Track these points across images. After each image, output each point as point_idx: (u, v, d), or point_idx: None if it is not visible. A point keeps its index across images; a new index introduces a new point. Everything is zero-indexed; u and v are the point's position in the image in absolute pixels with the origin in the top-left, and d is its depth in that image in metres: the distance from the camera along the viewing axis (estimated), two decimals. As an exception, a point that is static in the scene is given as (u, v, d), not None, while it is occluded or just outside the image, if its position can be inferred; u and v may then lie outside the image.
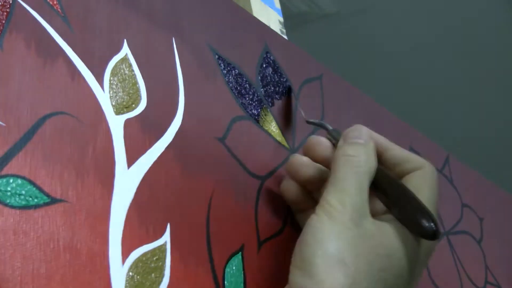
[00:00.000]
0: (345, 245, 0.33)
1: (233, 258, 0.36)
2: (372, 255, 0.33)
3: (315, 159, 0.40)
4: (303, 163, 0.40)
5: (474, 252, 0.58)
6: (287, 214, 0.41)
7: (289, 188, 0.40)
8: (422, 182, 0.38)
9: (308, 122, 0.44)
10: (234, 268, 0.36)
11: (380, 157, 0.38)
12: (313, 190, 0.40)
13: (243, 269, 0.36)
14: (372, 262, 0.33)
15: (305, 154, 0.40)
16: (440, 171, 0.61)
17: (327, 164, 0.39)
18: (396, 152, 0.39)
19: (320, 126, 0.42)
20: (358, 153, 0.36)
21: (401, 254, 0.34)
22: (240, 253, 0.37)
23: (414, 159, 0.39)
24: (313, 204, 0.39)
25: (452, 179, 0.61)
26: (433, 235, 0.34)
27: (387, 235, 0.34)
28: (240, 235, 0.37)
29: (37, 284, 0.27)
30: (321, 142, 0.40)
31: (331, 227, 0.33)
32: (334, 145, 0.40)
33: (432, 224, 0.34)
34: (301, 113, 0.44)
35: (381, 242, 0.34)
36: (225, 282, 0.35)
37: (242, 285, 0.36)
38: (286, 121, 0.45)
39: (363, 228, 0.34)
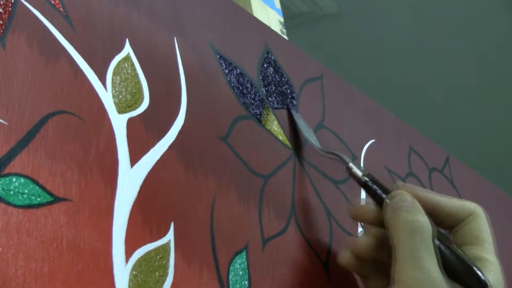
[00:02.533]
0: None
1: (237, 256, 0.36)
2: None
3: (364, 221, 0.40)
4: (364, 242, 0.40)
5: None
6: (290, 212, 0.41)
7: (348, 260, 0.40)
8: (478, 230, 0.38)
9: (323, 153, 0.43)
10: (238, 266, 0.36)
11: (431, 214, 0.38)
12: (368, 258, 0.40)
13: (248, 268, 0.36)
14: None
15: (353, 218, 0.41)
16: (440, 171, 0.61)
17: (374, 223, 0.40)
18: (447, 205, 0.39)
19: (336, 156, 0.42)
20: (420, 222, 0.36)
21: None
22: (244, 251, 0.37)
23: (463, 207, 0.39)
24: (373, 270, 0.40)
25: (452, 179, 0.61)
26: None
27: None
28: (244, 233, 0.37)
29: (40, 283, 0.27)
30: (369, 209, 0.40)
31: None
32: (355, 179, 0.40)
33: (486, 281, 0.35)
34: (313, 144, 0.44)
35: None
36: (230, 280, 0.35)
37: (246, 283, 0.36)
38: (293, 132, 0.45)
39: None
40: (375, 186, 0.39)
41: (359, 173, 0.40)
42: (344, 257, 0.40)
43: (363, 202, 0.42)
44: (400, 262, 0.35)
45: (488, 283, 0.34)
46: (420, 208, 0.37)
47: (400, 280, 0.35)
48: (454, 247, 0.36)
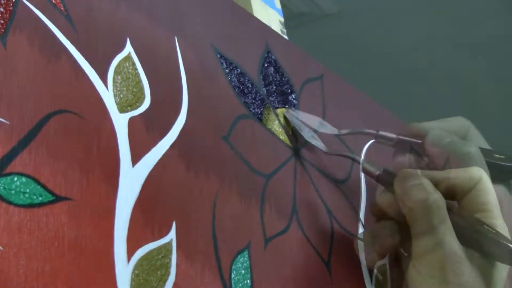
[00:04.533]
0: None
1: (239, 255, 0.36)
2: None
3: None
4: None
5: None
6: (292, 211, 0.41)
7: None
8: (485, 195, 0.38)
9: (329, 154, 0.44)
10: (240, 265, 0.36)
11: (439, 189, 0.39)
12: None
13: (250, 267, 0.36)
14: None
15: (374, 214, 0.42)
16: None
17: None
18: (451, 176, 0.39)
19: (347, 157, 0.43)
20: (428, 195, 0.37)
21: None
22: (246, 250, 0.37)
23: (469, 176, 0.39)
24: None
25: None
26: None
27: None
28: (246, 232, 0.37)
29: (42, 283, 0.27)
30: (387, 199, 0.41)
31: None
32: (373, 177, 0.41)
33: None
34: (319, 147, 0.44)
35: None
36: (232, 279, 0.35)
37: (249, 282, 0.36)
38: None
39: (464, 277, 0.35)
40: (387, 178, 0.40)
41: (372, 169, 0.42)
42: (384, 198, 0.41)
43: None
44: (419, 239, 0.36)
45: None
46: (430, 183, 0.38)
47: (420, 256, 0.36)
48: (468, 216, 0.37)
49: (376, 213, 0.42)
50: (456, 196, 0.39)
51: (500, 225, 0.37)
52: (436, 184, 0.38)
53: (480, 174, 0.39)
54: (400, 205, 0.38)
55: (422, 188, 0.37)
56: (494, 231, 0.36)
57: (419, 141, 0.42)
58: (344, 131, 0.45)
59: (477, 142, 0.43)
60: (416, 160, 0.44)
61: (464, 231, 0.37)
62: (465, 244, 0.37)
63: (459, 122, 0.44)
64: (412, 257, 0.37)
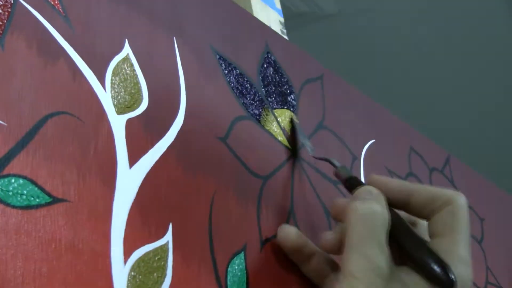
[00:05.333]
0: None
1: (235, 257, 0.36)
2: None
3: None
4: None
5: (475, 252, 0.58)
6: (289, 213, 0.41)
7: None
8: (451, 220, 0.36)
9: (315, 158, 0.44)
10: (236, 267, 0.36)
11: (408, 204, 0.37)
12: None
13: (246, 269, 0.36)
14: None
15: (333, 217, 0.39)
16: (440, 171, 0.61)
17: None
18: (421, 193, 0.37)
19: (327, 161, 0.42)
20: (370, 210, 0.35)
21: None
22: (242, 252, 0.37)
23: (441, 195, 0.37)
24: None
25: (452, 179, 0.61)
26: (450, 286, 0.33)
27: None
28: (242, 234, 0.37)
29: (38, 284, 0.27)
30: (339, 204, 0.39)
31: None
32: (342, 182, 0.39)
33: (451, 276, 0.33)
34: (307, 149, 0.44)
35: None
36: (228, 281, 0.35)
37: (244, 284, 0.36)
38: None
39: None
40: (355, 186, 0.38)
41: (344, 176, 0.40)
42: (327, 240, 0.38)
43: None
44: (347, 251, 0.34)
45: (454, 280, 0.33)
46: (381, 198, 0.36)
47: (346, 269, 0.34)
48: (420, 239, 0.35)
49: (333, 217, 0.40)
50: (425, 214, 0.37)
51: (462, 256, 0.35)
52: (404, 198, 0.37)
53: (453, 193, 0.37)
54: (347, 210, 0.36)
55: (367, 200, 0.36)
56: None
57: None
58: (317, 156, 0.43)
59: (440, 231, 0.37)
60: None
61: (414, 256, 0.35)
62: (414, 268, 0.35)
63: (432, 193, 0.38)
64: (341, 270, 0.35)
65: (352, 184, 0.39)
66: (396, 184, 0.38)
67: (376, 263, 0.33)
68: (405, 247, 0.35)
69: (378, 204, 0.35)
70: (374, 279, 0.33)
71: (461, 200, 0.36)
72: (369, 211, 0.35)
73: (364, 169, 0.50)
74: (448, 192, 0.37)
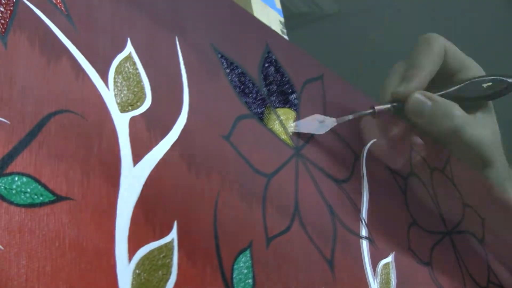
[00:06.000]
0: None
1: (241, 255, 0.36)
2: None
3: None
4: None
5: (477, 252, 0.58)
6: (294, 211, 0.41)
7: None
8: (457, 57, 0.46)
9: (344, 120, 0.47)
10: (242, 265, 0.36)
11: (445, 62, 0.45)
12: None
13: (252, 266, 0.36)
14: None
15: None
16: (441, 171, 0.61)
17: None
18: (430, 66, 0.45)
19: (358, 115, 0.48)
20: (449, 117, 0.44)
21: None
22: (248, 250, 0.36)
23: (436, 52, 0.45)
24: None
25: (453, 179, 0.61)
26: None
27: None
28: (248, 232, 0.37)
29: (42, 282, 0.26)
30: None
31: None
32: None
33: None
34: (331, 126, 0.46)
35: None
36: (234, 279, 0.35)
37: (251, 282, 0.36)
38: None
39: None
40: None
41: (385, 107, 0.47)
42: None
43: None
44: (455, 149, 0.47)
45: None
46: (440, 100, 0.44)
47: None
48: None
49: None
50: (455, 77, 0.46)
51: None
52: (425, 84, 0.44)
53: (443, 43, 0.46)
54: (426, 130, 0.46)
55: (444, 115, 0.44)
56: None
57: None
58: (341, 119, 0.46)
59: (458, 64, 0.47)
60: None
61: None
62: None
63: (434, 58, 0.46)
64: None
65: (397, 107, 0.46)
66: (415, 84, 0.46)
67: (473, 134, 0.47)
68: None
69: (454, 107, 0.45)
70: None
71: (444, 41, 0.48)
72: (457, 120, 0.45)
73: (365, 169, 0.50)
74: (434, 47, 0.47)
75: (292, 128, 0.45)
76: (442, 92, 0.47)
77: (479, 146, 0.45)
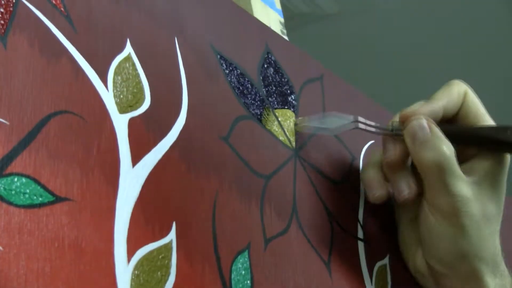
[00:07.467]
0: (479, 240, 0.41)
1: (240, 256, 0.36)
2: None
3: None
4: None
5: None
6: (292, 212, 0.41)
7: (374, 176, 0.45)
8: (472, 105, 0.44)
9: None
10: (240, 266, 0.36)
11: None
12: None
13: (250, 267, 0.36)
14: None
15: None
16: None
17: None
18: (443, 102, 0.43)
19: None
20: (438, 152, 0.40)
21: None
22: (246, 251, 0.37)
23: (453, 92, 0.44)
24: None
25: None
26: None
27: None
28: (246, 233, 0.37)
29: (42, 283, 0.27)
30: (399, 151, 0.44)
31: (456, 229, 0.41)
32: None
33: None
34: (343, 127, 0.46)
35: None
36: (232, 280, 0.35)
37: (249, 283, 0.36)
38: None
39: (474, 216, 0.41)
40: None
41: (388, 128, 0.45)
42: (370, 173, 0.45)
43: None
44: (432, 190, 0.41)
45: None
46: (438, 133, 0.41)
47: (434, 205, 0.41)
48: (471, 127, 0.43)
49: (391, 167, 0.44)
50: (452, 114, 0.44)
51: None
52: (436, 116, 0.42)
53: (464, 87, 0.44)
54: (412, 157, 0.42)
55: (433, 147, 0.40)
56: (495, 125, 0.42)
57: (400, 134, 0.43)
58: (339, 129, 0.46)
59: (472, 116, 0.44)
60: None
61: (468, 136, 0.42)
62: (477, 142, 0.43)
63: (451, 95, 0.44)
64: (427, 202, 0.42)
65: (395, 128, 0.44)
66: (425, 110, 0.43)
67: (463, 195, 0.41)
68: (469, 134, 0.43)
69: (445, 142, 0.41)
70: (462, 209, 0.41)
71: (466, 87, 0.45)
72: (444, 157, 0.40)
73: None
74: (455, 85, 0.45)
75: (303, 124, 0.45)
76: (456, 129, 0.44)
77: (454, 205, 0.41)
